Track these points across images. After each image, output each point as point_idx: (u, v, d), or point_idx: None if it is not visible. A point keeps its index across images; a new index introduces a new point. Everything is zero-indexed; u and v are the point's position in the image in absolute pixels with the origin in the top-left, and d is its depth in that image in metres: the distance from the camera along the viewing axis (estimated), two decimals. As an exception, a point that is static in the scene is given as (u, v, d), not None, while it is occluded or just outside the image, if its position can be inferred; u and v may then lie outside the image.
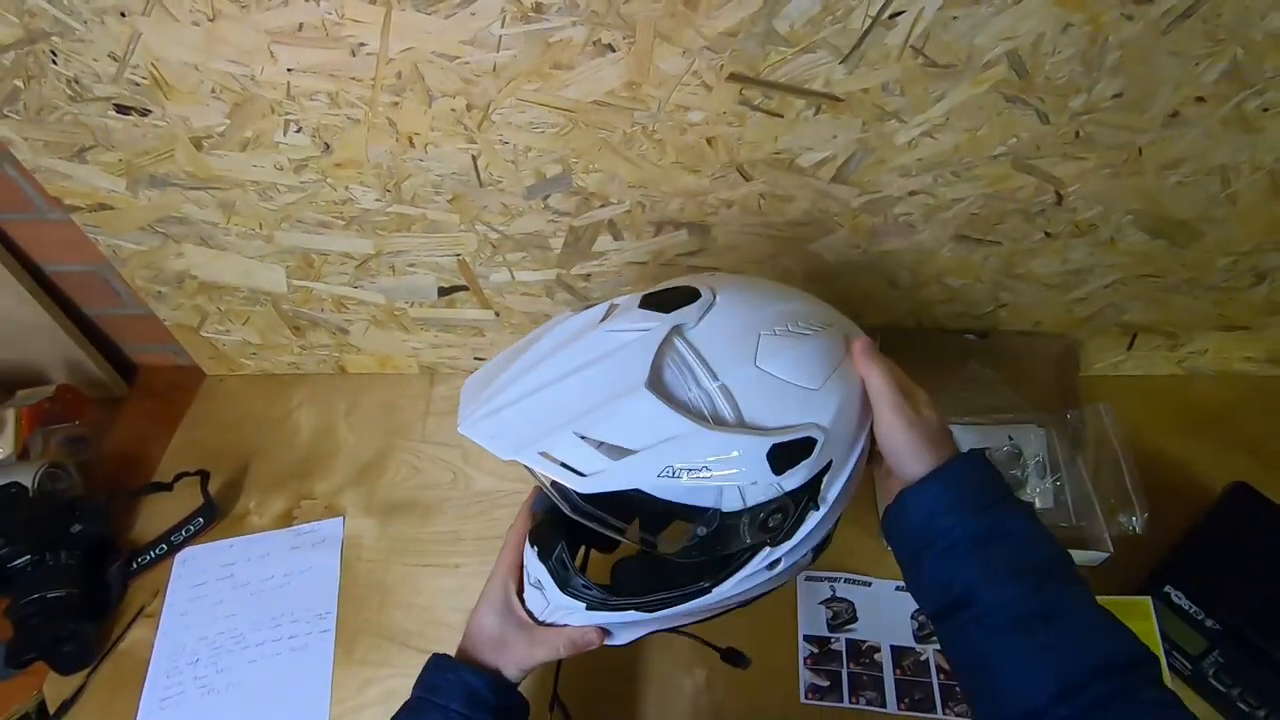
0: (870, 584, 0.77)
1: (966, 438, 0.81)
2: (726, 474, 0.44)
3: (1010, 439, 0.80)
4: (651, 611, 0.51)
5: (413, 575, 0.81)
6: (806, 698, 0.70)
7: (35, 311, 0.86)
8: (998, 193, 0.68)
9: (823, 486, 0.48)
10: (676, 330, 0.46)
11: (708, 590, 0.50)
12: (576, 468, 0.43)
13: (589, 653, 0.54)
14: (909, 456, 0.48)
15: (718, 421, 0.44)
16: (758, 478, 0.45)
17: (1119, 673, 0.40)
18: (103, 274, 0.86)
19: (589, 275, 0.82)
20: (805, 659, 0.73)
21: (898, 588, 0.77)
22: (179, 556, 0.82)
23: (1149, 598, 0.69)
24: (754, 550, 0.49)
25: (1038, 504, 0.77)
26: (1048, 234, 0.72)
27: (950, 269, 0.78)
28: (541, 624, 0.54)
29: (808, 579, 0.78)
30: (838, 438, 0.47)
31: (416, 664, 0.73)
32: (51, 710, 0.72)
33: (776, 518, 0.47)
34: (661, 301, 0.48)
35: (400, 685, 0.72)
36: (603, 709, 0.70)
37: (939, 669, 0.71)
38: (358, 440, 0.93)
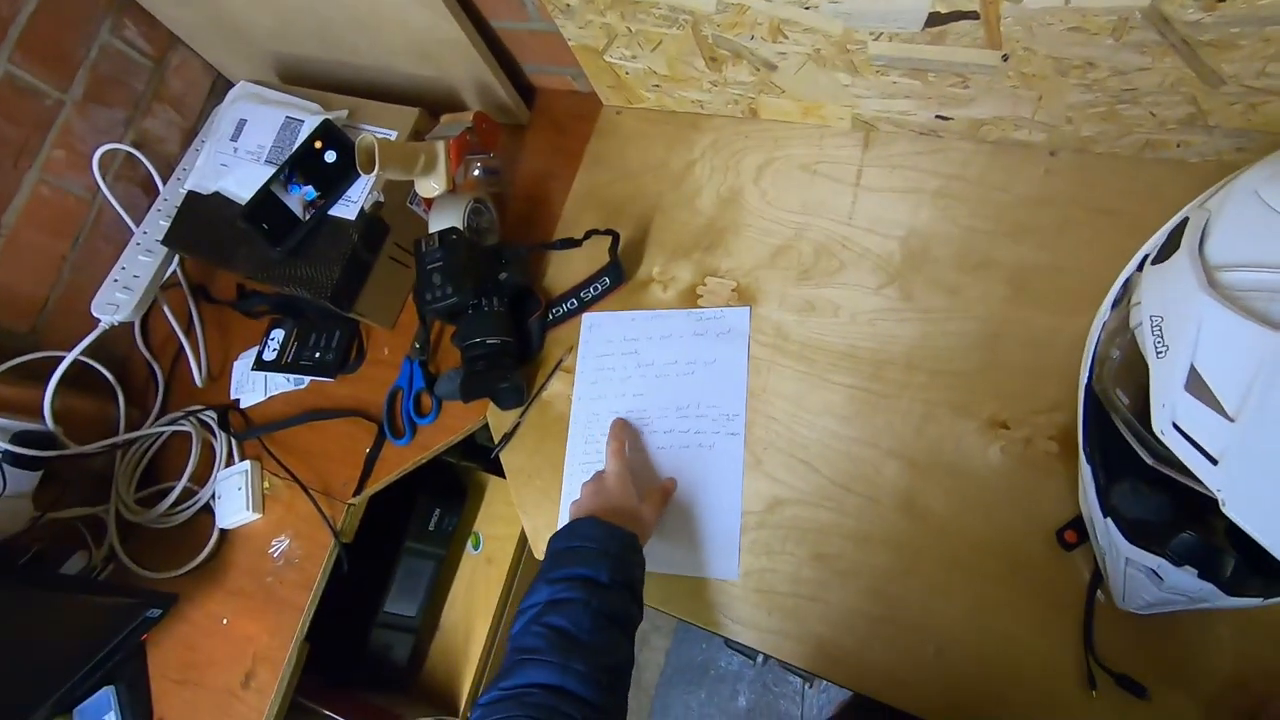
0: None
1: None
2: None
3: None
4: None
5: (828, 393, 0.69)
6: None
7: (450, 25, 0.77)
8: None
9: None
10: None
11: None
12: None
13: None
14: None
15: None
16: None
17: None
18: (512, -21, 0.73)
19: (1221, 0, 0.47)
20: None
21: None
22: (585, 319, 0.79)
23: None
24: None
25: None
26: None
27: None
28: None
29: None
30: None
31: (824, 493, 0.66)
32: (496, 439, 0.79)
33: None
34: None
35: (805, 515, 0.66)
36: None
37: None
38: (769, 211, 0.77)
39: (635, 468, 0.70)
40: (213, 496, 0.89)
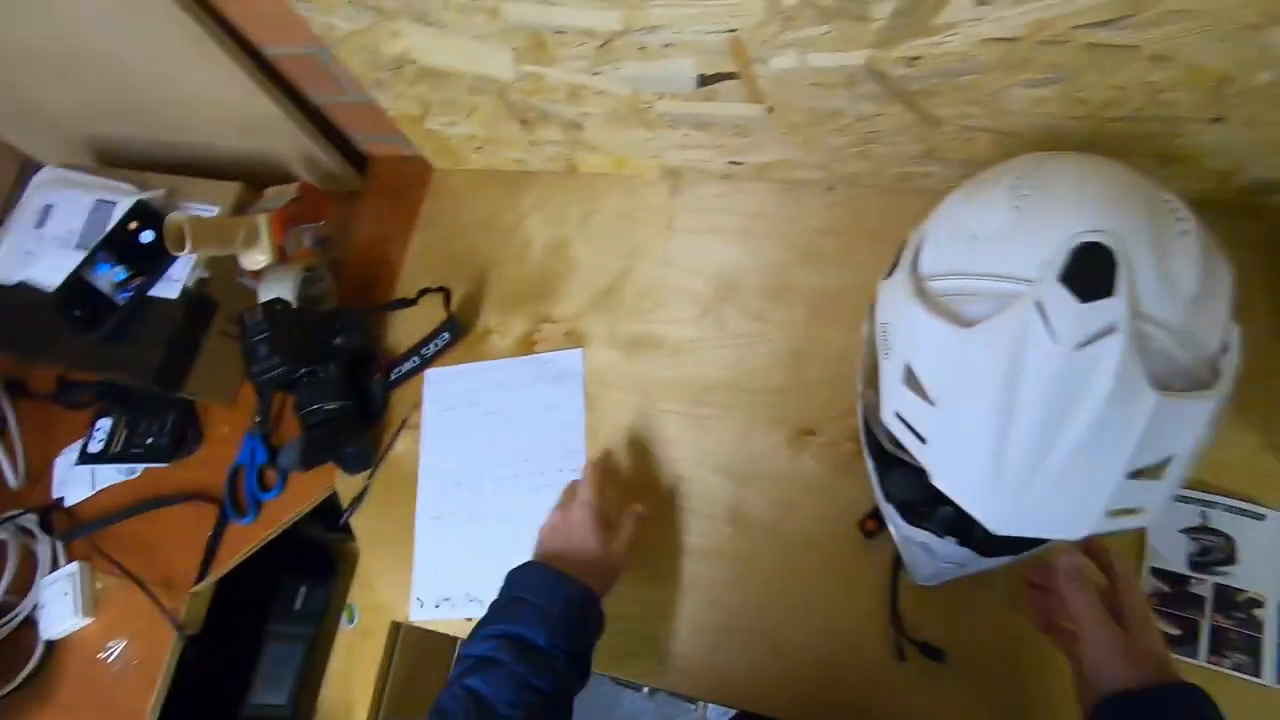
0: (1264, 517, 0.57)
1: None
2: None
3: None
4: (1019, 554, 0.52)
5: (659, 421, 0.73)
6: (1143, 643, 0.57)
7: (263, 102, 0.79)
8: None
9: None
10: (1135, 312, 0.38)
11: None
12: (1137, 508, 0.41)
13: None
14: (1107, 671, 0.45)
15: (1206, 384, 0.40)
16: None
17: None
18: (321, 58, 0.76)
19: (916, 59, 0.57)
20: (1150, 595, 0.58)
21: (1307, 528, 0.56)
22: (428, 375, 0.81)
23: None
24: None
25: None
26: None
27: None
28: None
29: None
30: None
31: (662, 516, 0.70)
32: (344, 504, 0.78)
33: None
34: (1091, 282, 0.38)
35: (646, 539, 0.69)
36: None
37: (1357, 648, 0.53)
38: (594, 258, 0.82)
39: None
40: (36, 606, 0.81)
